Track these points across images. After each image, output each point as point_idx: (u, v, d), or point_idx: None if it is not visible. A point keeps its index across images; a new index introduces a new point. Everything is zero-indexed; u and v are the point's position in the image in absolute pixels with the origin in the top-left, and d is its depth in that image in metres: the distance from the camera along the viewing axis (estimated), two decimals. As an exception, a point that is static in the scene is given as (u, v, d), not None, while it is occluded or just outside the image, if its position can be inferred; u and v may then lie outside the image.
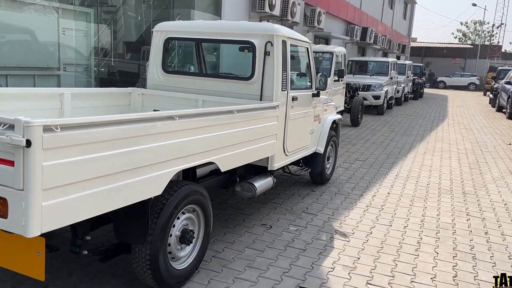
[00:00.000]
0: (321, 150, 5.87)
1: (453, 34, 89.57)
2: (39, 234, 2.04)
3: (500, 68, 25.84)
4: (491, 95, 22.32)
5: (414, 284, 3.62)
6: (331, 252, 4.13)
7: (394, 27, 30.44)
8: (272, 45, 4.48)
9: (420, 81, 24.35)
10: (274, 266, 3.78)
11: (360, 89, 14.47)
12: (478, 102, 25.60)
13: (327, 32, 16.22)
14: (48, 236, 2.30)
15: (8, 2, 6.08)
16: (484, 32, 57.99)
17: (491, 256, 4.24)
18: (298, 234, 4.50)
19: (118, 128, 2.38)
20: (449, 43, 50.55)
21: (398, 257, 4.11)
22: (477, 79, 40.60)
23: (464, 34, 64.13)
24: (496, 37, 63.20)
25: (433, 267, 3.96)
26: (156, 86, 5.09)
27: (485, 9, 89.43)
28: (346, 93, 12.33)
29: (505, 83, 17.74)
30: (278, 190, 5.97)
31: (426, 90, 30.16)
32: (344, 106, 11.98)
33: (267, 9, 11.03)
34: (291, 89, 4.82)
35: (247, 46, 4.64)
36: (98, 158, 2.26)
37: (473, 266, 4.01)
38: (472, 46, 48.31)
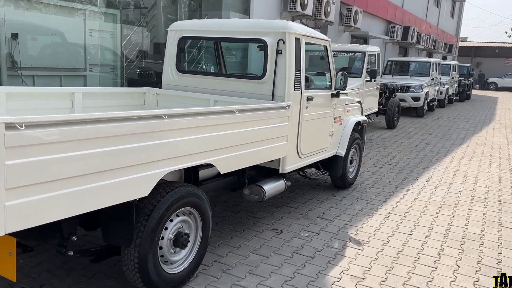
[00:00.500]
0: (342, 153, 5.63)
1: (506, 33, 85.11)
2: (3, 234, 1.99)
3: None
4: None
5: (426, 299, 3.36)
6: (341, 261, 3.90)
7: (440, 26, 29.26)
8: (284, 43, 4.31)
9: (467, 82, 23.24)
10: (277, 273, 3.61)
11: (399, 91, 13.97)
12: (531, 104, 24.14)
13: (365, 31, 15.76)
14: (22, 236, 2.26)
15: (34, 4, 6.25)
16: (541, 30, 54.67)
17: (519, 272, 3.88)
18: (309, 241, 4.30)
19: (90, 127, 2.30)
20: (501, 43, 48.01)
21: (414, 269, 3.83)
22: (532, 80, 38.34)
23: (519, 33, 60.82)
24: (554, 35, 59.43)
25: (451, 281, 3.66)
26: (171, 86, 5.04)
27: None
28: (381, 94, 11.92)
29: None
30: (296, 193, 5.78)
31: (474, 92, 28.83)
32: (379, 108, 11.57)
33: (298, 9, 10.82)
34: (306, 88, 4.63)
35: (259, 45, 4.50)
36: (68, 158, 2.19)
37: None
38: (527, 46, 45.67)
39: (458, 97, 22.40)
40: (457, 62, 22.26)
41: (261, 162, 4.07)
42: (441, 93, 17.86)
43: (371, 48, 9.96)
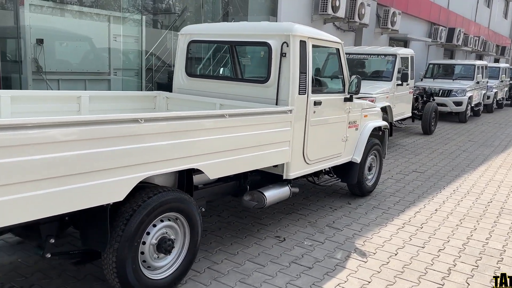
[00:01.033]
0: (358, 159, 5.42)
1: None
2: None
3: None
4: None
5: (424, 318, 3.13)
6: (340, 273, 3.73)
7: (491, 27, 27.87)
8: (288, 46, 4.20)
9: (518, 86, 21.93)
10: (268, 283, 3.49)
11: (439, 94, 13.40)
12: None
13: (403, 33, 15.24)
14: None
15: (59, 10, 6.47)
16: None
17: (537, 293, 3.55)
18: (311, 250, 4.15)
19: (58, 131, 2.30)
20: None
21: (417, 285, 3.59)
22: None
23: None
24: None
25: (456, 300, 3.40)
26: (181, 90, 5.05)
27: None
28: (417, 99, 11.46)
29: None
30: (309, 200, 5.62)
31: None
32: (414, 113, 11.12)
33: (329, 11, 10.61)
34: (314, 92, 4.49)
35: (263, 48, 4.41)
36: (35, 160, 2.20)
37: (508, 304, 3.38)
38: None
39: (509, 102, 21.20)
40: (508, 65, 21.08)
41: (258, 168, 3.97)
42: (488, 97, 16.96)
43: (403, 51, 9.59)
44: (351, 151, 5.40)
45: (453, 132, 12.22)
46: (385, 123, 6.14)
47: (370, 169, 5.89)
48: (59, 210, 2.41)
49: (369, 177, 5.93)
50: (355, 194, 5.85)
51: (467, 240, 4.58)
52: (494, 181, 7.09)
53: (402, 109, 9.66)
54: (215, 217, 4.85)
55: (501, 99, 19.46)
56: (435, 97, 12.60)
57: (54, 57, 6.38)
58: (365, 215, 5.18)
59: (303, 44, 4.29)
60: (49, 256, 2.74)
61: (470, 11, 23.49)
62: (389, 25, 13.91)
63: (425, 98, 11.96)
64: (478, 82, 14.77)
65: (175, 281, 3.27)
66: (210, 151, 3.29)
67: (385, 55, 9.31)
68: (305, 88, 4.34)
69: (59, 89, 6.37)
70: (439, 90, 13.49)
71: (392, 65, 9.12)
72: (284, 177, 4.36)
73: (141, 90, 7.39)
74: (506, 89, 20.16)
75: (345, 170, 5.47)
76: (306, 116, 4.41)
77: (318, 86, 4.94)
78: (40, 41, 6.12)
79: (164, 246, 3.11)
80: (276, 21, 9.52)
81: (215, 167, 3.37)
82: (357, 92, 4.98)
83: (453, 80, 14.66)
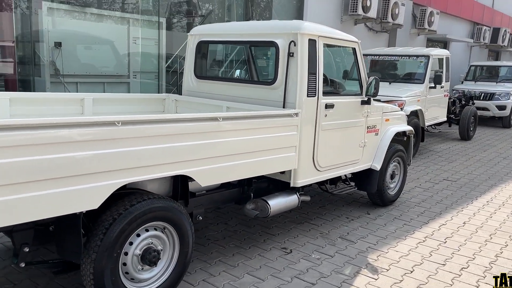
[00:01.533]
0: (378, 167, 5.06)
1: None
2: None
3: None
4: None
5: None
6: (345, 291, 3.42)
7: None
8: (295, 45, 3.94)
9: None
10: (264, 300, 3.24)
11: (481, 98, 12.65)
12: None
13: (442, 34, 14.51)
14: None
15: (78, 13, 6.49)
16: None
17: None
18: (318, 264, 3.85)
19: (18, 134, 2.16)
20: None
21: (431, 308, 3.23)
22: None
23: None
24: None
25: (474, 328, 3.02)
26: (190, 92, 4.88)
27: None
28: (455, 102, 10.83)
29: None
30: (325, 209, 5.31)
31: None
32: (451, 117, 10.51)
33: (360, 11, 10.21)
34: (325, 95, 4.21)
35: (271, 48, 4.18)
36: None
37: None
38: None
39: None
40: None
41: (259, 175, 3.73)
42: (535, 101, 15.87)
43: (437, 51, 9.06)
44: (370, 157, 5.05)
45: (494, 138, 11.47)
46: (410, 128, 5.73)
47: (392, 177, 5.51)
48: (24, 218, 2.27)
49: (391, 185, 5.55)
50: (376, 204, 5.49)
51: (495, 258, 4.14)
52: (534, 191, 6.50)
53: (436, 113, 9.12)
54: (222, 225, 4.64)
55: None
56: (475, 101, 11.90)
57: (73, 60, 6.40)
58: (384, 227, 4.82)
59: (312, 43, 4.01)
60: (23, 265, 2.62)
61: (517, 10, 22.22)
62: (426, 25, 13.28)
63: (463, 102, 11.30)
64: (525, 85, 13.85)
65: (162, 295, 3.08)
66: (201, 156, 3.08)
67: (417, 56, 8.81)
68: (315, 90, 4.06)
69: (77, 92, 6.36)
70: (480, 94, 12.74)
71: (424, 67, 8.62)
72: (292, 185, 4.09)
73: (163, 93, 7.30)
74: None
75: (364, 178, 5.14)
76: (316, 119, 4.13)
77: (331, 87, 4.64)
78: (58, 44, 6.15)
79: (148, 258, 2.93)
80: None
81: (207, 174, 3.16)
82: (375, 94, 4.64)
83: (496, 82, 13.85)
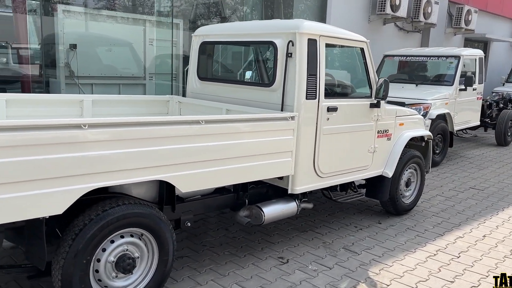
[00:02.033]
0: (390, 173, 4.78)
1: None
2: None
3: None
4: None
5: None
6: (337, 307, 3.20)
7: None
8: (293, 45, 3.76)
9: None
10: (247, 313, 3.08)
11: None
12: None
13: (481, 33, 13.79)
14: None
15: (93, 15, 6.55)
16: None
17: None
18: (313, 276, 3.64)
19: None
20: None
21: (428, 330, 2.96)
22: None
23: None
24: None
25: None
26: (194, 94, 4.78)
27: None
28: (491, 106, 10.22)
29: None
30: (334, 217, 5.07)
31: None
32: (486, 121, 9.92)
33: (388, 10, 9.82)
34: (328, 97, 4.00)
35: (269, 47, 4.01)
36: None
37: None
38: None
39: None
40: None
41: (249, 181, 3.58)
42: None
43: (469, 52, 8.55)
44: (381, 163, 4.77)
45: (535, 144, 10.74)
46: (427, 132, 5.39)
47: (407, 184, 5.19)
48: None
49: (407, 193, 5.23)
50: (389, 212, 5.19)
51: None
52: None
53: (467, 117, 8.62)
54: (222, 231, 4.51)
55: None
56: (515, 104, 11.20)
57: (88, 62, 6.46)
58: (394, 238, 4.53)
59: (312, 42, 3.81)
60: (-7, 269, 2.58)
61: None
62: (463, 25, 12.65)
63: (501, 105, 10.65)
64: None
65: (139, 304, 2.97)
66: (180, 161, 2.95)
67: (447, 56, 8.35)
68: (315, 92, 3.86)
69: (92, 93, 6.42)
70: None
71: (454, 68, 8.15)
72: (289, 191, 3.91)
73: (180, 95, 7.27)
74: None
75: (375, 185, 4.87)
76: (317, 123, 3.92)
77: (335, 90, 4.41)
78: (73, 46, 6.22)
79: (123, 265, 2.83)
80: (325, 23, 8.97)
81: (186, 180, 3.03)
82: (384, 97, 4.38)
83: (542, 84, 13.00)
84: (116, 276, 2.86)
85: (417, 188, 5.34)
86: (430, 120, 7.43)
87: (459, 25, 12.69)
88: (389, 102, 7.41)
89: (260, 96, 4.06)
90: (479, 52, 8.84)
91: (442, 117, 7.81)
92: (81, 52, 6.32)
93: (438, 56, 8.43)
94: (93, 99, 4.29)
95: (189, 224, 3.46)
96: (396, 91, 8.09)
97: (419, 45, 12.07)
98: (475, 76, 8.43)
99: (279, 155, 3.62)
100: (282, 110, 3.85)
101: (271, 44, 3.90)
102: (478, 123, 9.23)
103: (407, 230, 4.76)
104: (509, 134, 10.24)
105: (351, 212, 5.26)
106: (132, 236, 2.91)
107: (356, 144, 4.40)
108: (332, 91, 4.29)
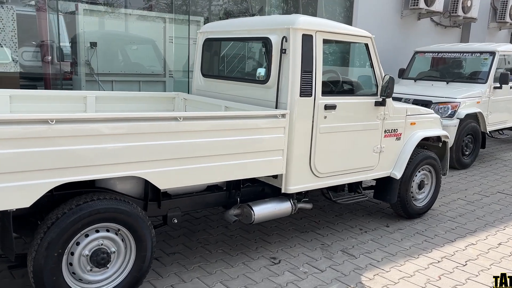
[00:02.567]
0: (398, 175, 4.58)
1: None
2: None
3: None
4: None
5: None
6: (317, 312, 3.09)
7: None
8: (286, 41, 3.66)
9: None
10: (224, 313, 3.03)
11: None
12: None
13: (529, 28, 12.93)
14: None
15: (113, 14, 6.70)
16: None
17: None
18: (302, 279, 3.54)
19: None
20: None
21: None
22: None
23: None
24: None
25: None
26: (198, 91, 4.79)
27: None
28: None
29: None
30: (340, 218, 4.91)
31: None
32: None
33: (422, 5, 9.40)
34: (325, 94, 3.87)
35: (264, 44, 3.93)
36: None
37: None
38: None
39: None
40: None
41: (234, 179, 3.53)
42: None
43: (506, 47, 8.02)
44: (389, 164, 4.58)
45: None
46: (443, 132, 5.10)
47: (420, 186, 4.95)
48: None
49: (419, 196, 4.99)
50: (400, 215, 4.97)
51: (520, 288, 3.51)
52: None
53: (503, 117, 8.10)
54: (221, 228, 4.48)
55: None
56: None
57: (108, 59, 6.63)
58: (399, 242, 4.33)
59: (307, 38, 3.70)
60: (-30, 259, 2.69)
61: None
62: (508, 19, 11.92)
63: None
64: None
65: (114, 299, 3.00)
66: (156, 158, 2.95)
67: (481, 52, 7.88)
68: (310, 89, 3.75)
69: (112, 90, 6.58)
70: None
71: (489, 65, 7.68)
72: (283, 191, 3.82)
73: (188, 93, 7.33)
74: None
75: (383, 187, 4.68)
76: (313, 121, 3.81)
77: (335, 87, 4.26)
78: (93, 44, 6.40)
79: (96, 259, 2.87)
80: (352, 21, 8.72)
81: (163, 177, 3.02)
82: (389, 95, 4.19)
83: None
84: (91, 270, 2.90)
85: (431, 190, 5.08)
86: (458, 120, 7.05)
87: (503, 19, 11.96)
88: (415, 101, 7.22)
89: (257, 93, 4.00)
90: (517, 48, 8.28)
91: (473, 117, 7.40)
92: (101, 50, 6.49)
93: (472, 52, 7.99)
94: (96, 95, 4.38)
95: (175, 220, 3.46)
96: (424, 89, 7.76)
97: (458, 41, 11.50)
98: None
99: (268, 154, 3.55)
100: (276, 108, 3.77)
101: (266, 40, 3.83)
102: (515, 123, 8.66)
103: (415, 235, 4.54)
104: (553, 135, 9.55)
105: (360, 214, 5.08)
106: (108, 231, 2.94)
107: (359, 144, 4.24)
108: (331, 88, 4.16)
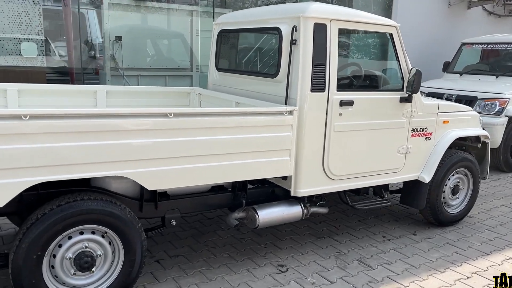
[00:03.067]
0: (427, 179, 4.15)
1: None
2: None
3: None
4: None
5: None
6: (318, 331, 2.79)
7: None
8: (296, 31, 3.36)
9: None
10: (215, 326, 2.80)
11: None
12: None
13: None
14: None
15: (139, 7, 6.62)
16: None
17: None
18: (308, 291, 3.24)
19: None
20: None
21: None
22: None
23: None
24: None
25: None
26: (213, 86, 4.57)
27: None
28: None
29: None
30: (363, 223, 4.54)
31: None
32: None
33: (471, -8, 8.70)
34: (340, 89, 3.53)
35: (274, 34, 3.64)
36: None
37: None
38: None
39: None
40: None
41: (234, 180, 3.29)
42: None
43: None
44: (418, 166, 4.16)
45: None
46: (483, 132, 4.59)
47: (454, 191, 4.48)
48: None
49: (453, 202, 4.52)
50: (431, 223, 4.52)
51: (562, 315, 3.03)
52: None
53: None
54: (232, 231, 4.25)
55: None
56: None
57: (134, 53, 6.57)
58: (425, 253, 3.92)
59: (320, 28, 3.37)
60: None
61: None
62: None
63: None
64: None
65: (101, 305, 2.85)
66: (142, 157, 2.75)
67: (508, 43, 7.13)
68: (323, 84, 3.42)
69: (138, 85, 6.52)
70: None
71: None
72: (292, 194, 3.53)
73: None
74: None
75: (410, 191, 4.27)
76: (326, 119, 3.49)
77: (354, 81, 3.90)
78: (118, 39, 6.35)
79: (80, 263, 2.72)
80: (391, 10, 8.17)
81: (152, 177, 2.82)
82: (415, 90, 3.78)
83: None
84: (75, 274, 2.76)
85: (467, 196, 4.60)
86: (507, 118, 6.42)
87: None
88: (458, 97, 6.65)
89: (267, 88, 3.73)
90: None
91: (525, 114, 6.70)
92: (126, 44, 6.43)
93: (500, 43, 7.24)
94: (107, 90, 4.28)
95: (174, 222, 3.27)
96: (470, 84, 7.15)
97: (514, 31, 10.58)
98: None
99: (273, 154, 3.27)
100: (286, 104, 3.48)
101: (276, 30, 3.54)
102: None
103: (445, 245, 4.10)
104: None
105: (386, 220, 4.68)
106: (93, 233, 2.79)
107: (380, 144, 3.86)
108: (349, 83, 3.81)
